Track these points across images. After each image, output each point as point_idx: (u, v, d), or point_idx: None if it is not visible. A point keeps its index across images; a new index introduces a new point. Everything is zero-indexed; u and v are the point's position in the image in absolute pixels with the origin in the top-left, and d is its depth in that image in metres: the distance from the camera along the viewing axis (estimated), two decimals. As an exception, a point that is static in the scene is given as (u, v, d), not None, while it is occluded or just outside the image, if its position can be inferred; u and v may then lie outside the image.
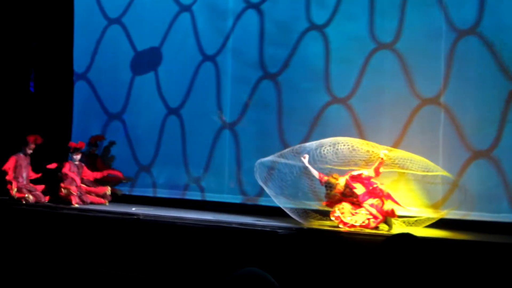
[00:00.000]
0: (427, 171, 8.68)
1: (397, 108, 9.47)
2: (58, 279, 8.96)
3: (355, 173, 8.76)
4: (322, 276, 7.76)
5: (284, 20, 10.47)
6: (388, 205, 8.59)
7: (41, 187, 10.98)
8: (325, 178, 8.88)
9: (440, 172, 8.72)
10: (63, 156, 11.01)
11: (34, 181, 11.11)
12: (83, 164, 11.05)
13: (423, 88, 9.36)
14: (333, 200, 8.81)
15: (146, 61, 11.68)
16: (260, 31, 10.65)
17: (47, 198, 10.86)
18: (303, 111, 10.19)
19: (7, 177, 10.77)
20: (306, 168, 8.97)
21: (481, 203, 8.90)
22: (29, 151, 10.96)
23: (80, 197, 10.70)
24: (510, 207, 8.82)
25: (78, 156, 10.90)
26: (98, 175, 11.20)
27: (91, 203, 10.86)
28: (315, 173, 8.94)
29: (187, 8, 11.32)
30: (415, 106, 9.37)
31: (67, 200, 10.55)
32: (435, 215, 8.78)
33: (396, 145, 9.11)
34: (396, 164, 8.68)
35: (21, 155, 10.91)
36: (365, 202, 8.66)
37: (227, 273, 8.49)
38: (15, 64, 12.59)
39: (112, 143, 11.93)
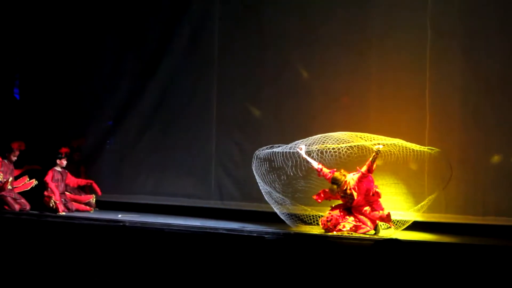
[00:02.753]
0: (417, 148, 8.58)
1: (385, 106, 9.54)
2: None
3: (357, 174, 8.51)
4: (310, 281, 7.76)
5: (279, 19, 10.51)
6: (381, 211, 8.50)
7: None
8: (326, 171, 8.65)
9: (426, 148, 8.66)
10: (49, 162, 10.91)
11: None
12: (67, 171, 10.99)
13: (409, 86, 9.44)
14: (331, 195, 8.71)
15: (137, 68, 11.70)
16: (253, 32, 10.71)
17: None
18: (296, 113, 10.22)
19: None
20: (304, 159, 8.83)
21: (467, 206, 9.08)
22: (14, 158, 10.90)
23: (65, 205, 10.63)
24: (494, 210, 8.94)
25: (64, 162, 10.83)
26: (82, 182, 11.17)
27: (77, 210, 10.82)
28: (314, 163, 8.77)
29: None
30: (401, 106, 9.47)
31: (51, 208, 10.46)
32: (415, 214, 8.76)
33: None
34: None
35: (6, 161, 10.84)
36: (359, 208, 8.58)
37: (215, 279, 8.44)
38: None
39: (99, 149, 11.90)
